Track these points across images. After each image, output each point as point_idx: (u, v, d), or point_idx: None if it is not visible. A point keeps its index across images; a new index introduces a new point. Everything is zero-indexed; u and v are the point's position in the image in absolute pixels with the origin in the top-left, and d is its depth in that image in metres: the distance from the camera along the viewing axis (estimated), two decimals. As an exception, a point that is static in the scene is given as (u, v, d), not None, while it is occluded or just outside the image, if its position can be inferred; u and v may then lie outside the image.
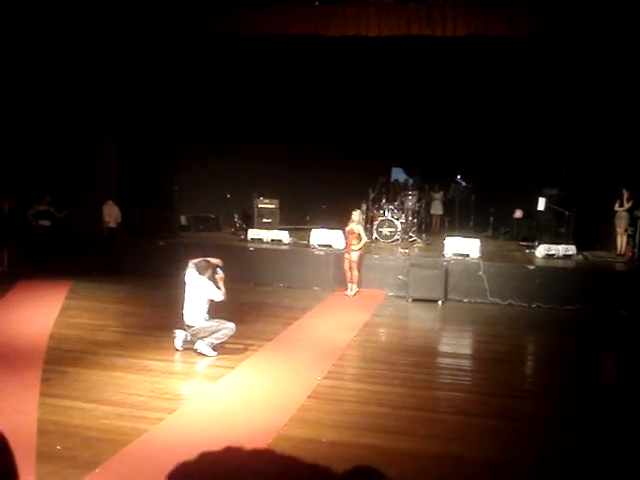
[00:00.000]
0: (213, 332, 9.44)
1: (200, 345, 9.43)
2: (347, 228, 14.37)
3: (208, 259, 9.70)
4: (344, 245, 14.83)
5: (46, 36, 16.61)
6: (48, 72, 17.16)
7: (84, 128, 17.71)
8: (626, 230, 15.79)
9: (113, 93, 17.78)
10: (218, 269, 9.65)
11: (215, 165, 18.29)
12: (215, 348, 9.43)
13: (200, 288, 9.45)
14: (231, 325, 9.57)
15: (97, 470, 5.76)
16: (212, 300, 9.54)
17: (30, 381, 8.09)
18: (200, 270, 9.52)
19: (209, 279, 9.54)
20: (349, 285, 14.23)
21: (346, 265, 14.26)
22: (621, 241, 16.00)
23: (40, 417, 6.80)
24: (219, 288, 9.49)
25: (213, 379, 8.51)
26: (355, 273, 14.18)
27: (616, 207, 15.77)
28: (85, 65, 17.26)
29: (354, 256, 14.12)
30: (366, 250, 14.86)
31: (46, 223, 16.86)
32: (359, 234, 14.17)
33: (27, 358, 9.04)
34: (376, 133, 18.94)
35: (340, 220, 16.33)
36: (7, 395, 7.52)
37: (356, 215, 14.26)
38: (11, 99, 16.94)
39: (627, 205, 15.65)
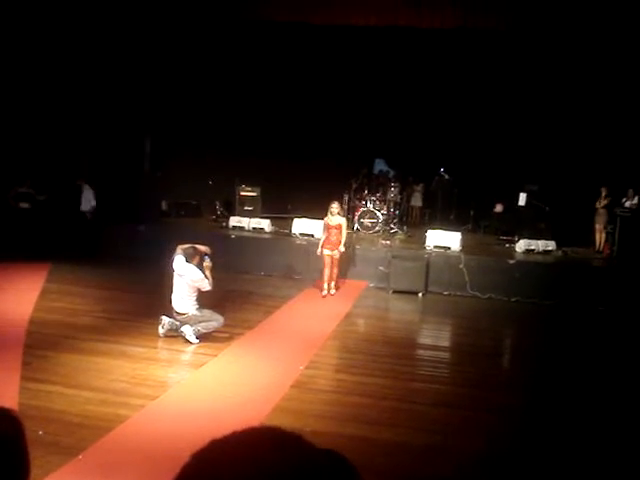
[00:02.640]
0: (202, 321, 9.40)
1: (186, 330, 9.35)
2: (327, 221, 13.08)
3: (196, 246, 9.63)
4: (323, 240, 13.22)
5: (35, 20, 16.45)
6: (29, 53, 16.97)
7: (66, 110, 17.53)
8: (605, 227, 15.95)
9: (95, 76, 17.61)
10: (206, 257, 9.58)
11: (197, 151, 18.18)
12: (199, 336, 9.40)
13: (188, 276, 9.38)
14: (221, 318, 9.55)
15: (80, 456, 5.73)
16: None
17: (10, 365, 8.01)
18: (188, 257, 9.44)
19: (197, 267, 9.47)
20: (326, 285, 13.11)
21: (327, 262, 13.07)
22: (599, 238, 16.16)
23: (21, 402, 6.74)
24: (206, 277, 9.42)
25: (195, 366, 8.49)
26: (335, 271, 13.21)
27: (597, 204, 15.98)
28: (68, 46, 17.06)
29: (337, 253, 13.05)
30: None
31: (25, 205, 16.72)
32: (342, 228, 13.07)
33: (7, 341, 8.95)
34: (359, 124, 18.91)
35: (322, 210, 16.32)
36: (-13, 379, 7.46)
37: (337, 207, 13.15)
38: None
39: (604, 202, 15.84)
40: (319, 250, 13.14)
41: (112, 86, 17.68)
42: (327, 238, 13.12)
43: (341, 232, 12.99)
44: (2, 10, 16.07)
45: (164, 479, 4.99)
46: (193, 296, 9.47)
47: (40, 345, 8.88)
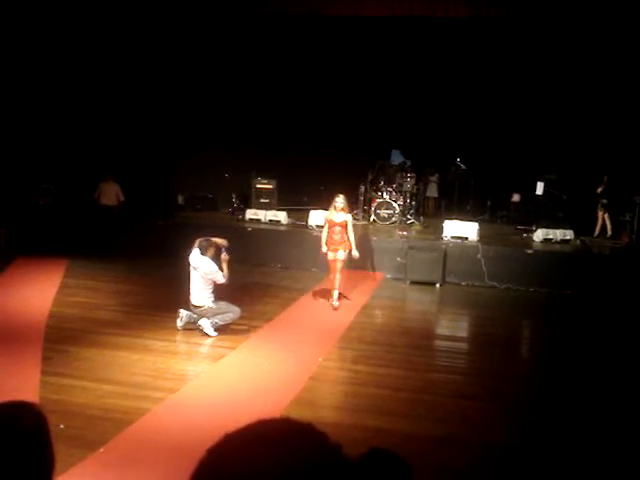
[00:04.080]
0: (218, 313, 9.46)
1: (204, 323, 9.42)
2: (330, 217, 11.53)
3: (212, 239, 9.67)
4: (325, 239, 11.52)
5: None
6: (54, 55, 17.11)
7: (86, 105, 17.66)
8: (604, 213, 16.01)
9: (113, 73, 17.72)
10: (223, 250, 9.61)
11: (213, 145, 18.22)
12: (217, 329, 9.45)
13: (201, 268, 9.44)
14: (237, 309, 9.60)
15: (102, 449, 5.79)
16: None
17: (31, 360, 8.10)
18: (202, 250, 9.49)
19: (213, 259, 9.51)
20: (335, 292, 11.56)
21: (332, 266, 11.53)
22: (600, 224, 16.16)
23: (42, 396, 6.81)
24: (221, 269, 9.46)
25: (214, 359, 8.55)
26: (339, 276, 11.45)
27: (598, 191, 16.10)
28: (84, 41, 17.16)
29: (342, 254, 11.39)
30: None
31: (48, 200, 16.96)
32: (347, 226, 11.43)
33: (27, 336, 9.04)
34: (375, 115, 18.87)
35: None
36: (9, 374, 7.54)
37: (342, 201, 11.43)
38: (14, 80, 16.90)
39: (599, 189, 15.94)
40: (324, 249, 11.53)
41: (130, 83, 17.77)
42: (329, 237, 11.45)
43: (346, 230, 11.37)
44: (28, 12, 16.23)
45: (185, 471, 5.03)
46: (209, 289, 9.52)
47: (60, 339, 8.97)
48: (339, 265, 11.42)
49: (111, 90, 17.83)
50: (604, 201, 15.93)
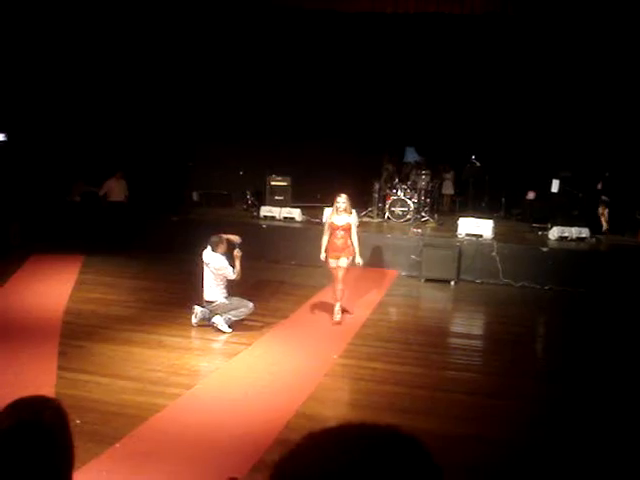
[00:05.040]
0: (231, 309, 9.45)
1: (218, 320, 9.44)
2: (331, 220, 10.21)
3: (223, 235, 9.65)
4: (327, 243, 10.25)
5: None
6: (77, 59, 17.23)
7: (104, 102, 17.75)
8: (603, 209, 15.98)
9: (129, 70, 17.77)
10: (236, 246, 9.60)
11: (228, 142, 18.22)
12: (231, 325, 9.45)
13: (212, 264, 9.44)
14: (250, 304, 9.59)
15: (117, 445, 5.80)
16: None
17: (47, 355, 8.13)
18: (212, 246, 9.50)
19: (225, 255, 9.51)
20: (337, 305, 10.32)
21: (334, 274, 10.29)
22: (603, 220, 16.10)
23: (58, 391, 6.83)
24: (233, 265, 9.45)
25: (230, 356, 8.54)
26: (340, 287, 10.24)
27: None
28: (104, 40, 17.23)
29: (345, 262, 10.14)
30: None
31: (77, 199, 17.15)
32: (351, 230, 10.18)
33: (43, 332, 9.10)
34: (390, 112, 18.81)
35: (351, 198, 16.29)
36: (26, 369, 7.56)
37: (344, 201, 10.14)
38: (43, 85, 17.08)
39: (599, 185, 15.92)
40: (323, 255, 10.30)
41: (147, 80, 17.82)
42: (330, 242, 10.21)
43: (349, 234, 10.14)
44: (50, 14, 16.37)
45: (200, 466, 5.07)
46: (221, 284, 9.52)
47: (76, 335, 9.01)
48: (342, 274, 10.18)
49: (129, 87, 17.87)
50: (604, 198, 15.85)
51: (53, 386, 7.01)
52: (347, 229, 10.13)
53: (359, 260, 10.17)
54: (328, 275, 10.71)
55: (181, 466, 5.53)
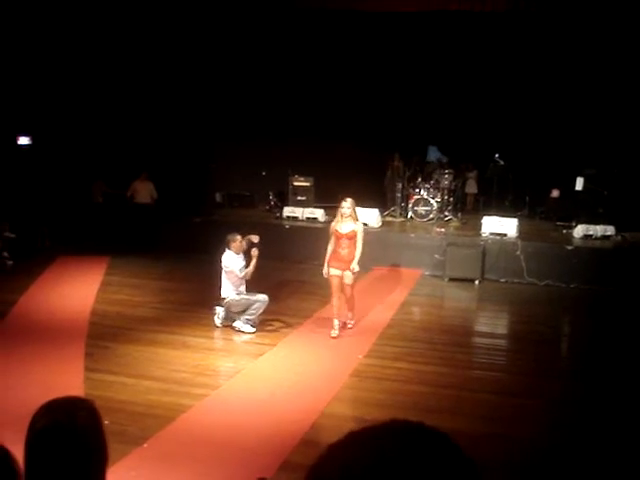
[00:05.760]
0: (246, 307, 9.46)
1: (238, 324, 9.51)
2: (336, 227, 9.32)
3: (236, 234, 9.64)
4: (331, 253, 9.42)
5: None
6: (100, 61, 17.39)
7: (126, 103, 17.88)
8: None
9: (152, 74, 17.89)
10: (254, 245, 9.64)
11: (250, 142, 18.27)
12: (254, 324, 9.47)
13: (222, 262, 9.53)
14: (262, 297, 9.53)
15: (145, 445, 5.85)
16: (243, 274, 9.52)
17: (74, 356, 8.21)
18: (226, 244, 9.60)
19: (239, 254, 9.56)
20: (335, 322, 9.45)
21: (335, 286, 9.37)
22: None
23: (86, 392, 6.88)
24: (249, 264, 9.48)
25: (255, 356, 8.57)
26: (349, 300, 9.70)
27: None
28: (125, 40, 17.35)
29: (350, 276, 9.34)
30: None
31: (99, 199, 17.40)
32: (356, 238, 9.24)
33: (70, 333, 9.19)
34: (413, 111, 18.77)
35: (374, 198, 16.30)
36: (54, 370, 7.64)
37: (350, 207, 9.23)
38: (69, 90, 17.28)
39: None
40: (325, 269, 9.44)
41: (170, 82, 17.94)
42: (335, 252, 9.32)
43: (355, 243, 9.21)
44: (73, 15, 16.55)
45: (228, 467, 5.09)
46: (234, 282, 9.53)
47: (102, 336, 9.09)
48: (349, 290, 9.45)
49: (152, 89, 17.97)
50: None
51: (81, 387, 7.07)
52: (352, 237, 9.17)
53: (355, 266, 9.23)
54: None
55: (208, 466, 5.56)
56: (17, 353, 8.27)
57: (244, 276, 9.49)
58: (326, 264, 9.38)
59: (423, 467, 0.92)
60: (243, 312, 9.48)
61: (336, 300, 9.38)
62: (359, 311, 10.45)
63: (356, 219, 9.32)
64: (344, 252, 9.21)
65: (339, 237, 9.22)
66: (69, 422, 2.07)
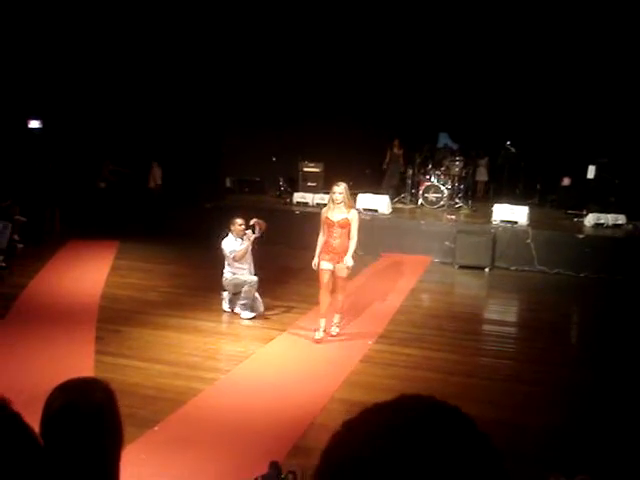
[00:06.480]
0: (238, 288, 9.49)
1: (237, 310, 9.61)
2: (326, 215, 8.45)
3: (238, 218, 9.70)
4: (322, 244, 8.52)
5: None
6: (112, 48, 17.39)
7: (137, 86, 17.90)
8: None
9: (161, 58, 17.88)
10: (251, 230, 9.64)
11: (261, 128, 18.25)
12: (253, 309, 9.51)
13: (221, 244, 9.64)
14: (250, 278, 9.48)
15: (156, 428, 5.88)
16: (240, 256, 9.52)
17: (85, 339, 8.25)
18: (227, 228, 9.70)
19: (237, 238, 9.58)
20: (321, 321, 8.60)
21: (324, 281, 8.49)
22: None
23: (97, 375, 6.89)
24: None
25: (264, 341, 8.59)
26: (340, 297, 8.70)
27: None
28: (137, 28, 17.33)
29: (343, 268, 8.49)
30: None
31: (102, 185, 17.32)
32: (350, 227, 8.41)
33: (80, 317, 9.22)
34: (423, 98, 18.70)
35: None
36: (65, 353, 7.68)
37: (342, 191, 8.34)
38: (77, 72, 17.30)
39: None
40: (315, 260, 8.54)
41: (180, 67, 17.91)
42: (326, 242, 8.46)
43: (348, 233, 8.42)
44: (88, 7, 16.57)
45: (238, 450, 5.10)
46: (228, 263, 9.58)
47: (113, 320, 9.13)
48: (342, 284, 8.62)
49: (161, 74, 17.95)
50: None
51: (91, 370, 7.10)
52: (346, 226, 8.37)
53: (349, 260, 8.38)
54: (361, 261, 10.61)
55: (219, 450, 5.59)
56: (28, 336, 8.31)
57: (234, 258, 9.50)
58: (317, 256, 8.50)
59: (440, 437, 0.92)
60: (238, 296, 9.53)
61: (323, 297, 8.54)
62: (365, 298, 10.49)
63: (350, 206, 8.45)
64: (336, 242, 8.38)
65: (330, 225, 8.37)
66: (85, 402, 2.08)
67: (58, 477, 1.93)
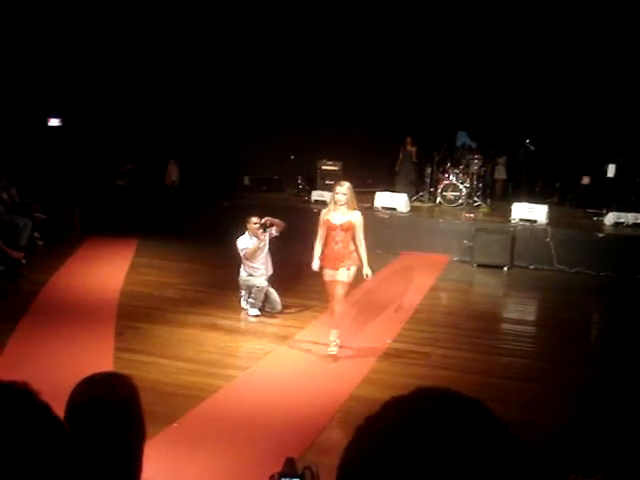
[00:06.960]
0: (249, 289, 9.58)
1: (243, 303, 9.72)
2: (327, 217, 7.73)
3: (252, 218, 9.73)
4: (323, 251, 7.83)
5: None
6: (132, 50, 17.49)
7: (156, 84, 17.98)
8: None
9: (181, 56, 17.95)
10: (264, 228, 9.65)
11: (279, 126, 18.26)
12: (259, 308, 9.55)
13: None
14: (259, 282, 9.52)
15: (175, 424, 5.91)
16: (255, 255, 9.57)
17: (104, 336, 8.30)
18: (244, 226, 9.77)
19: (252, 237, 9.62)
20: (333, 334, 7.87)
21: (328, 290, 7.92)
22: None
23: (117, 371, 6.95)
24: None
25: (283, 338, 8.62)
26: (338, 309, 7.86)
27: None
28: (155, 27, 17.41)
29: (345, 274, 7.68)
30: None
31: (121, 183, 17.43)
32: (355, 230, 7.67)
33: (100, 314, 9.28)
34: (442, 96, 18.65)
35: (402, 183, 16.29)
36: (85, 349, 7.73)
37: (346, 191, 7.59)
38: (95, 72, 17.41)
39: None
40: (315, 263, 7.89)
41: (199, 66, 17.99)
42: (327, 248, 7.75)
43: (351, 237, 7.68)
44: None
45: (256, 447, 5.11)
46: (242, 261, 9.63)
47: (132, 317, 9.18)
48: (341, 291, 7.75)
49: (181, 72, 18.03)
50: None
51: (111, 366, 7.14)
52: (349, 229, 7.63)
53: (368, 271, 7.78)
54: (379, 260, 10.61)
55: (237, 446, 5.62)
56: (47, 332, 8.37)
57: (244, 255, 9.55)
58: (316, 258, 7.83)
59: (462, 428, 0.93)
60: (250, 294, 9.60)
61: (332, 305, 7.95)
62: (384, 297, 10.49)
63: (354, 207, 7.65)
64: (338, 247, 7.64)
65: (332, 228, 7.62)
66: (111, 397, 2.10)
67: (85, 469, 1.95)
